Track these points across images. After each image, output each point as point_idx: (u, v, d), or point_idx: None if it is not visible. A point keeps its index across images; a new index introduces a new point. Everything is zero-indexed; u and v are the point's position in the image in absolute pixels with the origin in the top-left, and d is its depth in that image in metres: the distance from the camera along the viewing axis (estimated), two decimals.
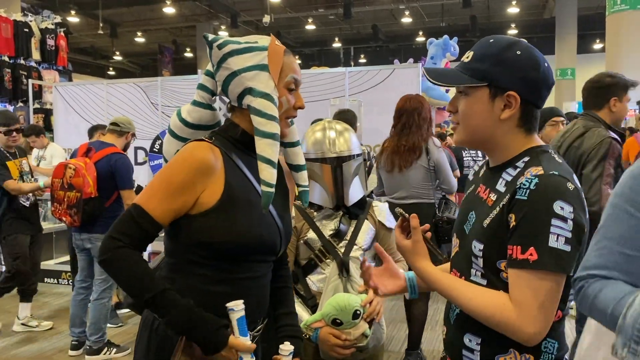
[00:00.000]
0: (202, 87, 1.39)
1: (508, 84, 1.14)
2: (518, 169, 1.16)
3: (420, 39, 19.30)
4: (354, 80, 5.87)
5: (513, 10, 16.99)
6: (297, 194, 1.55)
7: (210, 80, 1.38)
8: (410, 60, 6.67)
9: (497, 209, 1.13)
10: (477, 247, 1.16)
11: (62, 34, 9.07)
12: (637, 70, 11.93)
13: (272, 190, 1.28)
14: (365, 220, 1.95)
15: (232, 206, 1.28)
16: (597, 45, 19.14)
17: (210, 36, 1.34)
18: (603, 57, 13.30)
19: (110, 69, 24.88)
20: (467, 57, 1.20)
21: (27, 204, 4.13)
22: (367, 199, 2.03)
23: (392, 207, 3.50)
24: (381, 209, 2.01)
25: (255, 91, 1.29)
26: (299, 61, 23.18)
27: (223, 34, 19.03)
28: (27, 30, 8.35)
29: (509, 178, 1.16)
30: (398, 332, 4.25)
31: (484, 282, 1.17)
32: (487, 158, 1.30)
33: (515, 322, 1.07)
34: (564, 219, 1.05)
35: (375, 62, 20.64)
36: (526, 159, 1.16)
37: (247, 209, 1.30)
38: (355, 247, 1.90)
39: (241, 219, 1.28)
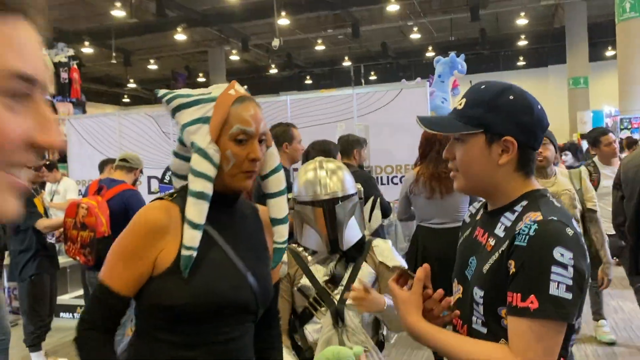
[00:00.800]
0: (179, 138, 1.33)
1: (504, 130, 1.15)
2: (516, 213, 1.15)
3: (430, 54, 19.33)
4: (362, 101, 5.87)
5: (522, 21, 16.96)
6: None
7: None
8: (418, 79, 6.67)
9: (497, 254, 1.12)
10: (478, 293, 1.15)
11: (75, 66, 9.27)
12: None
13: (190, 253, 1.19)
14: (365, 263, 1.84)
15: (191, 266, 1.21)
16: (610, 52, 18.98)
17: (161, 92, 1.28)
18: (616, 64, 13.17)
19: (125, 96, 25.27)
20: (460, 104, 1.21)
21: (53, 240, 4.11)
22: (369, 237, 1.93)
23: (428, 232, 3.43)
24: (382, 249, 1.88)
25: (194, 146, 1.23)
26: (310, 81, 23.36)
27: (234, 58, 19.26)
28: None
29: (508, 223, 1.15)
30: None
31: (485, 330, 1.14)
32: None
33: None
34: (564, 265, 1.03)
35: (385, 79, 20.69)
36: (524, 203, 1.16)
37: (207, 268, 1.22)
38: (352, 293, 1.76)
39: (199, 279, 1.20)
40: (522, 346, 1.04)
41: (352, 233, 1.82)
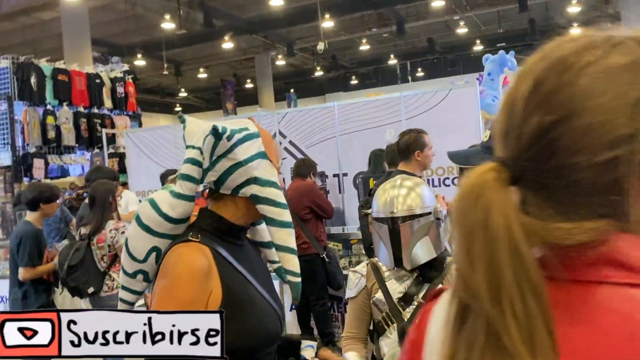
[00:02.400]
0: (187, 177, 1.28)
1: None
2: None
3: (478, 47, 18.95)
4: (410, 104, 5.83)
5: (573, 9, 16.38)
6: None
7: (197, 169, 1.27)
8: (466, 79, 6.58)
9: None
10: None
11: (130, 80, 9.64)
12: None
13: (300, 280, 1.27)
14: (440, 286, 1.79)
15: (236, 307, 1.19)
16: None
17: (220, 126, 1.23)
18: None
19: (177, 105, 25.99)
20: (486, 137, 1.29)
21: None
22: (451, 259, 1.91)
23: None
24: None
25: (262, 180, 1.26)
26: (355, 81, 23.23)
27: (280, 63, 19.49)
28: (98, 80, 8.94)
29: None
30: None
31: None
32: None
33: None
34: None
35: (433, 75, 20.40)
36: None
37: (250, 306, 1.23)
38: None
39: (249, 319, 1.21)
40: None
41: (420, 253, 1.82)
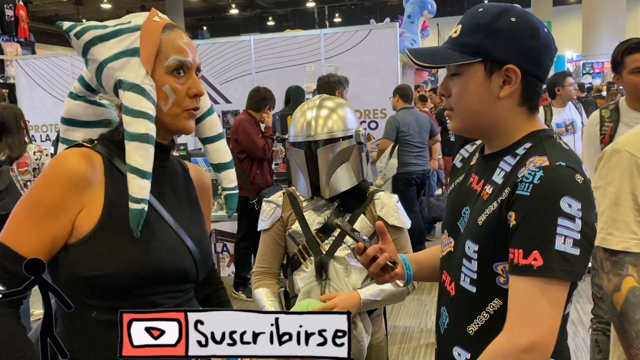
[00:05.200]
0: (79, 77, 1.15)
1: (505, 57, 1.00)
2: (518, 157, 1.02)
3: None
4: (329, 43, 5.67)
5: None
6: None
7: (86, 70, 1.13)
8: (387, 19, 6.48)
9: (495, 204, 1.00)
10: (472, 248, 1.03)
11: (21, 3, 8.67)
12: (614, 22, 11.87)
13: (141, 207, 1.01)
14: (363, 216, 1.69)
15: (116, 228, 1.03)
16: None
17: (66, 24, 1.08)
18: (580, 8, 13.15)
19: None
20: (456, 32, 1.06)
21: None
22: (374, 188, 1.77)
23: None
24: (384, 203, 1.70)
25: (124, 83, 1.04)
26: (272, 23, 22.61)
27: None
28: None
29: (508, 168, 1.02)
30: None
31: (473, 289, 1.04)
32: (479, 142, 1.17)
33: (508, 342, 0.93)
34: (571, 217, 0.91)
35: (350, 22, 20.22)
36: (528, 145, 1.03)
37: (141, 233, 1.04)
38: (343, 245, 1.66)
39: (129, 245, 1.03)
40: (524, 309, 0.93)
41: (340, 180, 1.67)
